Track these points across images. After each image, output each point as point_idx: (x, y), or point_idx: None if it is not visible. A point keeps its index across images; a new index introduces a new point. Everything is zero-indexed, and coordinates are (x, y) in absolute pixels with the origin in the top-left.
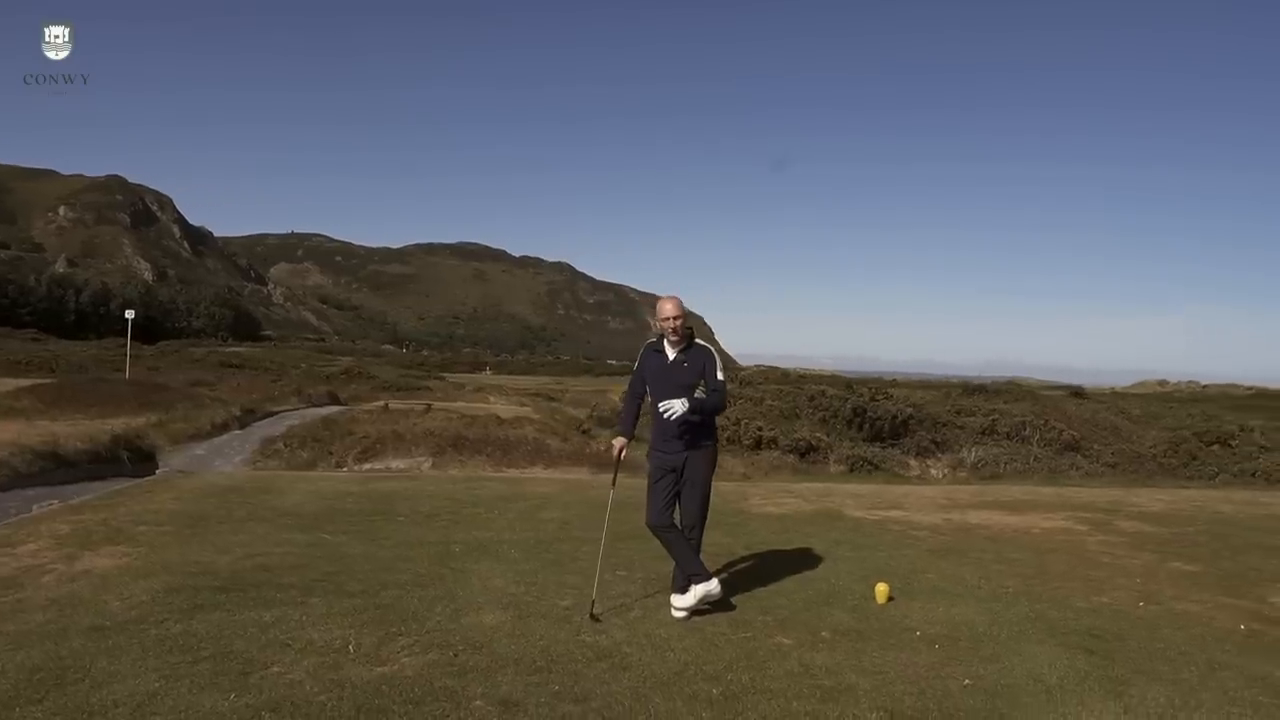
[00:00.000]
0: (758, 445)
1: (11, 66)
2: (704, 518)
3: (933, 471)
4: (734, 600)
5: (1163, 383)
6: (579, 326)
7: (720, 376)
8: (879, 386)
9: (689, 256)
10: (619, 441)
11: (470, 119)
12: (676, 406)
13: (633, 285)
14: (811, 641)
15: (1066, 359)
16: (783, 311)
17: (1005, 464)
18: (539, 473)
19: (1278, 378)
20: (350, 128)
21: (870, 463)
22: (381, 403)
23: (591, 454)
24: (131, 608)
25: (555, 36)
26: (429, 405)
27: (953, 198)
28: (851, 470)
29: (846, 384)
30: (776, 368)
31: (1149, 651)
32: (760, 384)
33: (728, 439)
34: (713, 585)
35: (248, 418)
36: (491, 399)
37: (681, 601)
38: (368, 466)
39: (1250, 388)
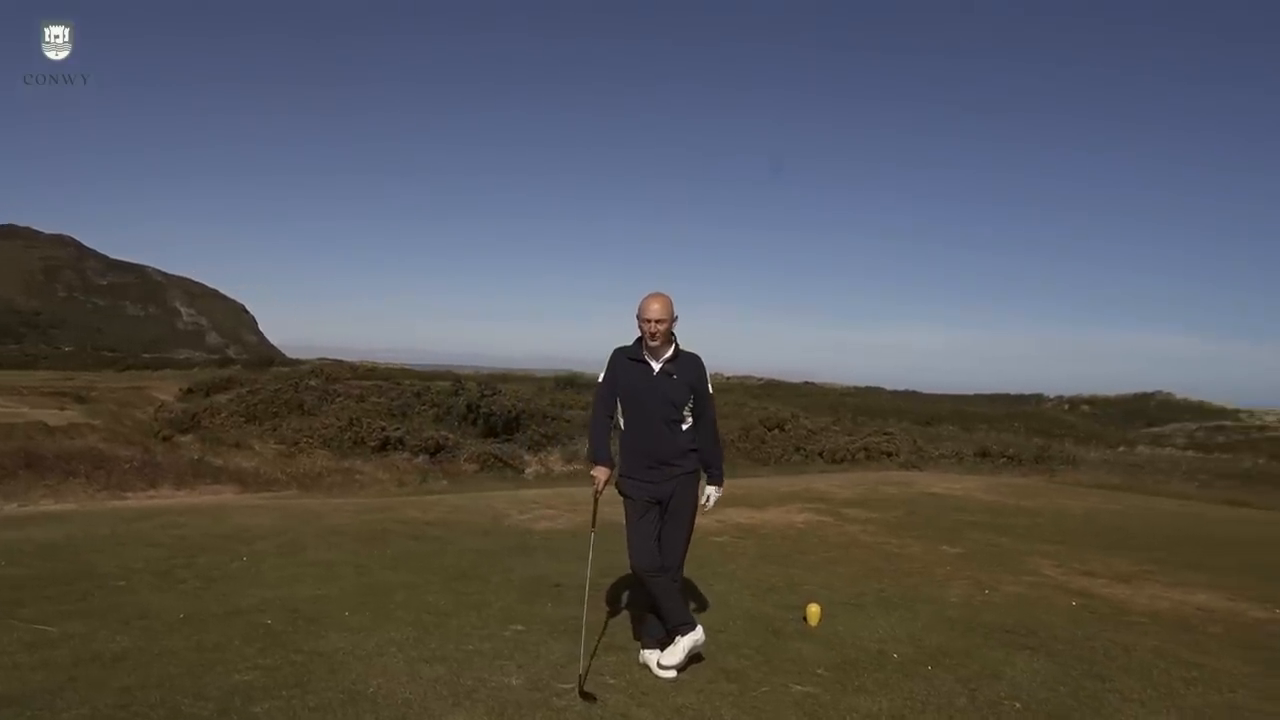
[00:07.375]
0: (384, 446)
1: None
2: (685, 556)
3: (550, 464)
4: None
5: None
6: (88, 312)
7: (710, 390)
8: (487, 381)
9: (231, 237)
10: (601, 472)
11: None
12: (713, 495)
13: (159, 266)
14: (829, 683)
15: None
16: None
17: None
18: (180, 496)
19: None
20: None
21: (500, 459)
22: None
23: (225, 469)
24: None
25: None
26: None
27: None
28: (483, 468)
29: (456, 379)
30: (343, 361)
31: (1064, 641)
32: (348, 379)
33: (350, 440)
34: (699, 633)
35: None
36: (4, 401)
37: (670, 659)
38: None
39: (761, 379)
